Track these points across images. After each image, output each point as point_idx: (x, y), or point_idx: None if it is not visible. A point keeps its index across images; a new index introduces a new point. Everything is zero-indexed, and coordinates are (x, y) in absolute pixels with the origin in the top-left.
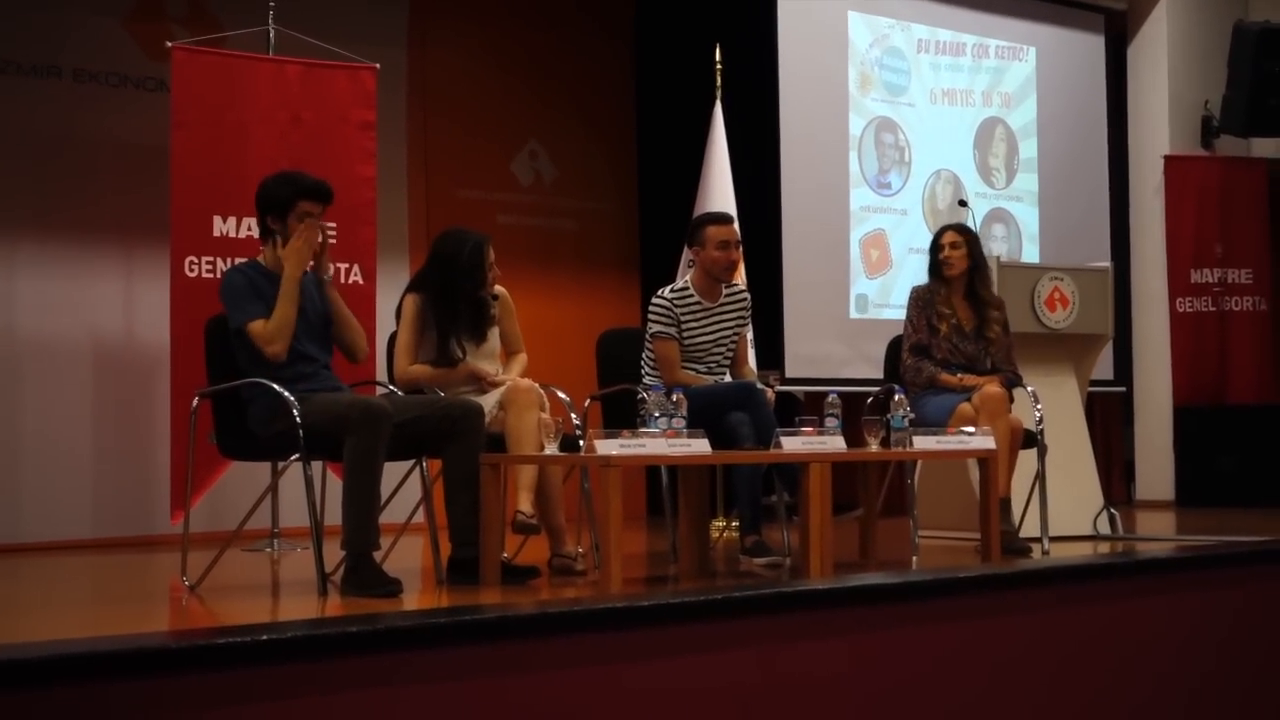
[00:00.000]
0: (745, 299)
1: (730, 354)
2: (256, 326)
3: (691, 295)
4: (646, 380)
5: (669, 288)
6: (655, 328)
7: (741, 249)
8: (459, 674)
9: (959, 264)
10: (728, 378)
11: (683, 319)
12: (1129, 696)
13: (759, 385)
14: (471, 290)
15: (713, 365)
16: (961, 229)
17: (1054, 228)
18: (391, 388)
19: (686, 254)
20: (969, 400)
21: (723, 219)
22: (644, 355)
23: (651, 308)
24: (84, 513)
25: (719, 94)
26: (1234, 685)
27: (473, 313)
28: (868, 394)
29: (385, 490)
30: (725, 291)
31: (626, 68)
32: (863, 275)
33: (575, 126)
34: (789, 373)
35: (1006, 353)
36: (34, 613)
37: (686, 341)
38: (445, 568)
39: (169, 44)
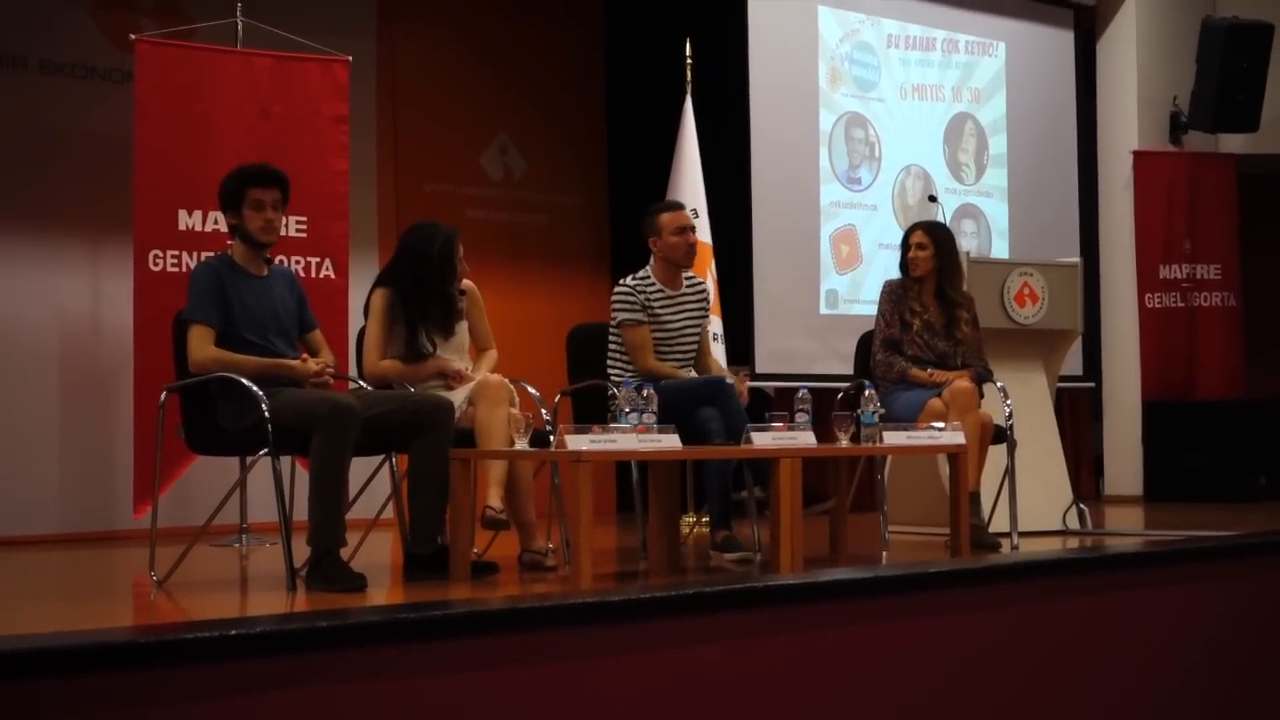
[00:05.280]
0: (705, 289)
1: (695, 346)
2: (197, 331)
3: (654, 284)
4: (613, 374)
5: (630, 277)
6: (622, 315)
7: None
8: (428, 669)
9: (924, 264)
10: (694, 373)
11: (649, 304)
12: (1097, 691)
13: (728, 379)
14: (441, 285)
15: (681, 359)
16: (931, 228)
17: (1023, 223)
18: (361, 383)
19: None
20: (939, 395)
21: (674, 205)
22: (610, 348)
23: (615, 296)
24: (48, 507)
25: (689, 89)
26: (1201, 679)
27: (441, 307)
28: (838, 389)
29: (355, 485)
30: (686, 281)
31: (597, 62)
32: (833, 271)
33: (545, 121)
34: (759, 368)
35: (977, 348)
36: None
37: (655, 331)
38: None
39: (133, 37)
